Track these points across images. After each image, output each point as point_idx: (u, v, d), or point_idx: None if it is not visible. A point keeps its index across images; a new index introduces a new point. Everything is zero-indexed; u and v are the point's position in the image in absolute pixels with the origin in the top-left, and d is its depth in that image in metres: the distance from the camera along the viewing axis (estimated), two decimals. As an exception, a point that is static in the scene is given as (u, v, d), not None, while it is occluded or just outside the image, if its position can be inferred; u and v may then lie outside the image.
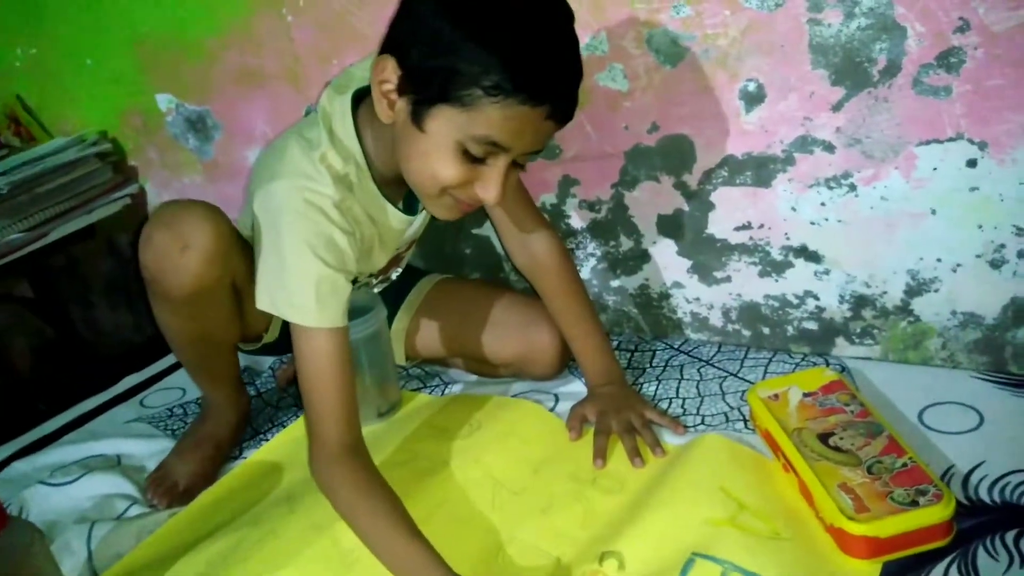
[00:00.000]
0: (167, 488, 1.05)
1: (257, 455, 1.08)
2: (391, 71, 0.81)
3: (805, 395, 0.93)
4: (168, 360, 1.42)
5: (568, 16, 0.82)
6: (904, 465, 0.80)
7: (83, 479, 1.07)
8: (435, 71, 0.78)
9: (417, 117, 0.81)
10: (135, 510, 1.02)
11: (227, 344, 1.08)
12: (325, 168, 0.88)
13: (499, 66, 0.75)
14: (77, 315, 1.89)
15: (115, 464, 1.11)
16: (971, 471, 0.85)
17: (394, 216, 0.98)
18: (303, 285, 0.86)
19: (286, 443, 1.10)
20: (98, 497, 1.04)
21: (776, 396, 0.94)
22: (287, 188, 0.88)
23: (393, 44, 0.82)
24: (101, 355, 1.85)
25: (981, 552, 0.75)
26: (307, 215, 0.87)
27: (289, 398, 1.24)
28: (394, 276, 1.16)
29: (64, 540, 0.95)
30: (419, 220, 1.03)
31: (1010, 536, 0.76)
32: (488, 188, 0.83)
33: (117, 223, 1.67)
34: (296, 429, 1.12)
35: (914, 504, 0.75)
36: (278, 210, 0.88)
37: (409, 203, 0.99)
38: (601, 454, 0.96)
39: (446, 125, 0.79)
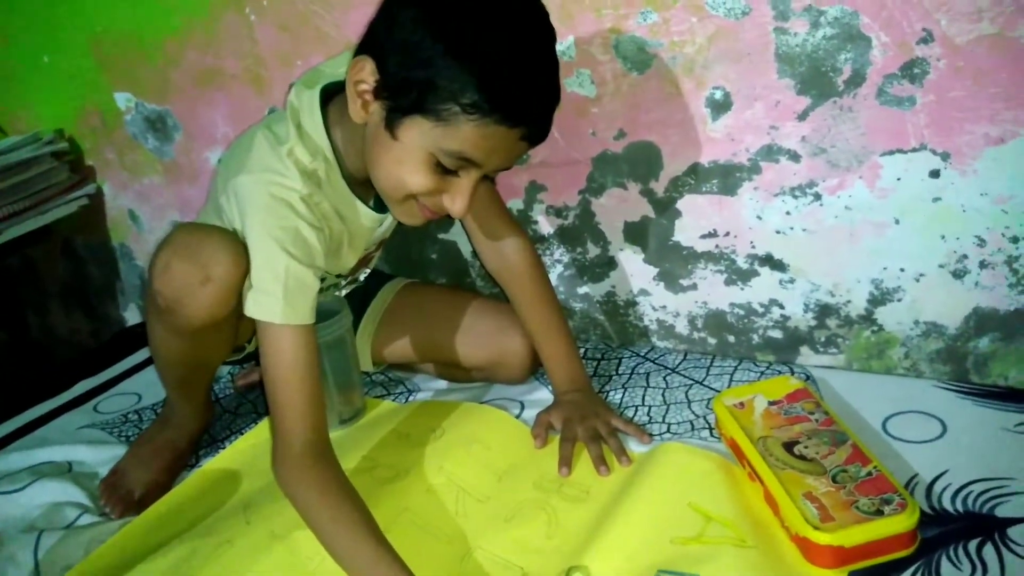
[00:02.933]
0: (121, 496, 1.02)
1: (213, 463, 1.06)
2: (368, 73, 0.80)
3: (770, 403, 0.93)
4: (124, 365, 1.39)
5: (550, 36, 0.81)
6: (869, 474, 0.80)
7: (32, 486, 1.03)
8: (413, 82, 0.77)
9: (391, 124, 0.80)
10: (86, 519, 0.99)
11: (217, 363, 1.06)
12: (292, 163, 0.87)
13: (478, 85, 0.75)
14: (31, 318, 1.85)
15: (66, 471, 1.08)
16: (935, 480, 0.85)
17: (364, 214, 0.96)
18: (270, 281, 0.84)
19: (243, 450, 1.07)
20: (47, 505, 1.00)
21: (742, 404, 0.94)
22: (253, 182, 0.86)
23: (372, 46, 0.81)
24: (56, 359, 1.81)
25: (944, 561, 0.75)
26: (273, 209, 0.85)
27: (248, 404, 1.21)
28: (362, 277, 1.15)
29: (9, 551, 0.92)
30: (390, 219, 1.01)
31: (973, 545, 0.76)
32: (456, 200, 0.83)
33: (74, 224, 1.63)
34: (253, 436, 1.09)
35: (879, 513, 0.75)
36: (244, 205, 0.86)
37: (380, 201, 0.97)
38: (566, 462, 0.95)
39: (420, 136, 0.79)
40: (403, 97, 0.78)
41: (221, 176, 0.93)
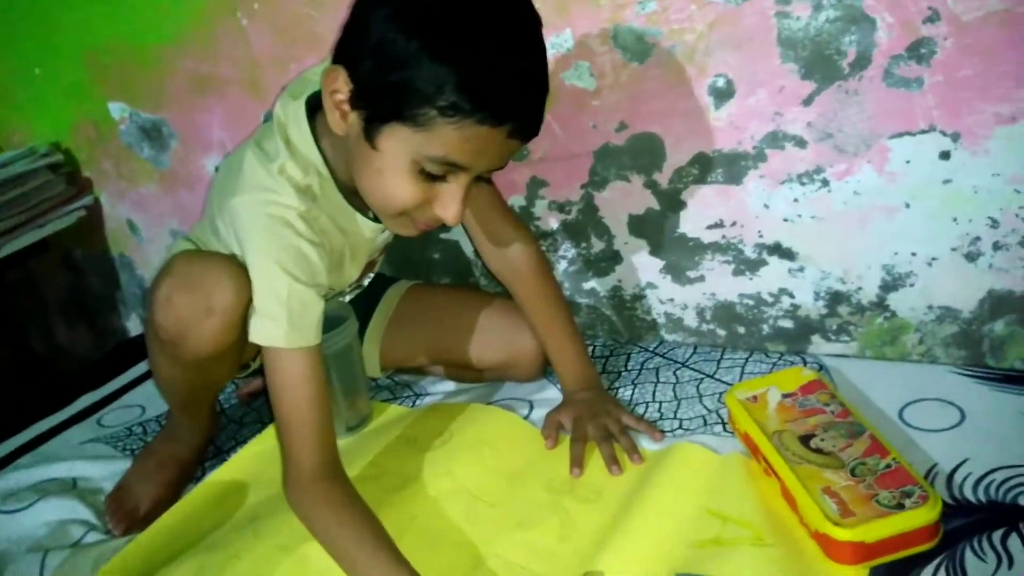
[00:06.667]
0: (126, 512, 1.00)
1: (218, 474, 1.04)
2: (342, 83, 0.76)
3: (784, 396, 0.91)
4: (127, 377, 1.37)
5: (533, 23, 0.75)
6: (888, 466, 0.78)
7: (36, 505, 1.02)
8: (387, 87, 0.72)
9: (370, 134, 0.76)
10: (92, 537, 0.97)
11: (223, 385, 1.05)
12: (285, 180, 0.84)
13: (455, 84, 0.69)
14: (33, 332, 1.83)
15: (71, 488, 1.06)
16: (955, 469, 0.83)
17: (364, 225, 0.93)
18: (273, 305, 0.82)
19: (249, 459, 1.05)
20: (53, 524, 0.99)
21: (755, 398, 0.92)
22: (248, 203, 0.84)
23: (344, 53, 0.76)
24: (58, 372, 1.80)
25: (968, 553, 0.73)
26: (272, 230, 0.83)
27: (253, 413, 1.20)
28: (366, 282, 1.12)
29: (14, 571, 0.90)
30: None
31: (997, 535, 0.74)
32: (447, 208, 0.78)
33: (72, 236, 1.61)
34: (258, 444, 1.07)
35: (900, 507, 0.73)
36: (241, 227, 0.84)
37: None
38: (578, 462, 0.93)
39: (400, 144, 0.74)
40: (379, 104, 0.74)
41: (215, 197, 0.91)
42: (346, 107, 0.77)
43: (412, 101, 0.71)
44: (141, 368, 1.39)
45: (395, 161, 0.76)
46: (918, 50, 0.90)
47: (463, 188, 0.78)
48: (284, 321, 0.82)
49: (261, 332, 0.83)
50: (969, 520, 0.77)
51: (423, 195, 0.78)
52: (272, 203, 0.83)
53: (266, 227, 0.83)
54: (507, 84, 0.72)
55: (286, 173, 0.84)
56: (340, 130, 0.79)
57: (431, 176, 0.76)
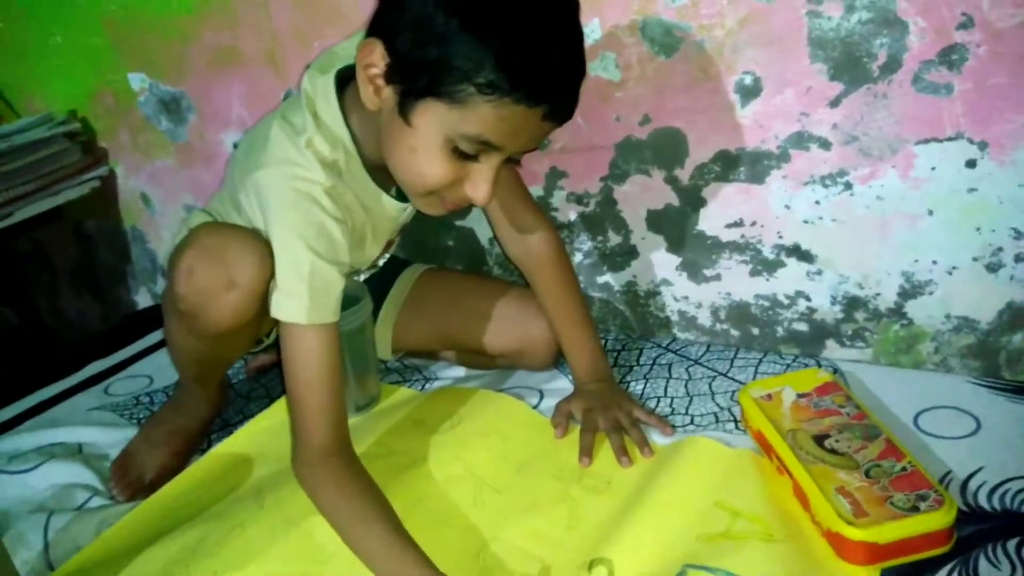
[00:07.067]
0: (131, 480, 1.00)
1: (225, 445, 1.03)
2: (378, 56, 0.76)
3: (799, 396, 0.91)
4: (135, 347, 1.37)
5: (572, 6, 0.76)
6: (904, 469, 0.78)
7: (42, 467, 1.02)
8: (425, 63, 0.72)
9: (404, 110, 0.75)
10: (96, 501, 0.97)
11: (237, 359, 1.04)
12: (312, 154, 0.84)
13: (494, 62, 0.70)
14: (41, 300, 1.83)
15: (76, 452, 1.06)
16: (969, 477, 0.82)
17: (387, 203, 0.93)
18: (295, 280, 0.82)
19: (255, 433, 1.05)
20: (57, 487, 0.99)
21: (769, 396, 0.91)
22: (274, 177, 0.83)
23: (381, 27, 0.76)
24: (65, 342, 1.80)
25: (983, 560, 0.72)
26: (297, 204, 0.82)
27: (260, 388, 1.19)
28: (381, 263, 1.12)
29: (18, 531, 0.90)
30: (412, 206, 0.98)
31: (1012, 544, 0.73)
32: (478, 188, 0.78)
33: (85, 207, 1.61)
34: (266, 418, 1.07)
35: (915, 510, 0.73)
36: (266, 201, 0.83)
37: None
38: (587, 452, 0.92)
39: (435, 121, 0.74)
40: (416, 79, 0.73)
41: (238, 170, 0.90)
42: (380, 81, 0.77)
43: (450, 77, 0.71)
44: (150, 339, 1.38)
45: (428, 138, 0.75)
46: (949, 56, 0.90)
47: (494, 169, 0.78)
48: (305, 297, 0.81)
49: (282, 308, 0.83)
50: (983, 527, 0.76)
51: (454, 174, 0.78)
52: (298, 178, 0.83)
53: (292, 202, 0.82)
54: (545, 65, 0.72)
55: (313, 147, 0.84)
56: (372, 105, 0.79)
57: (463, 155, 0.76)
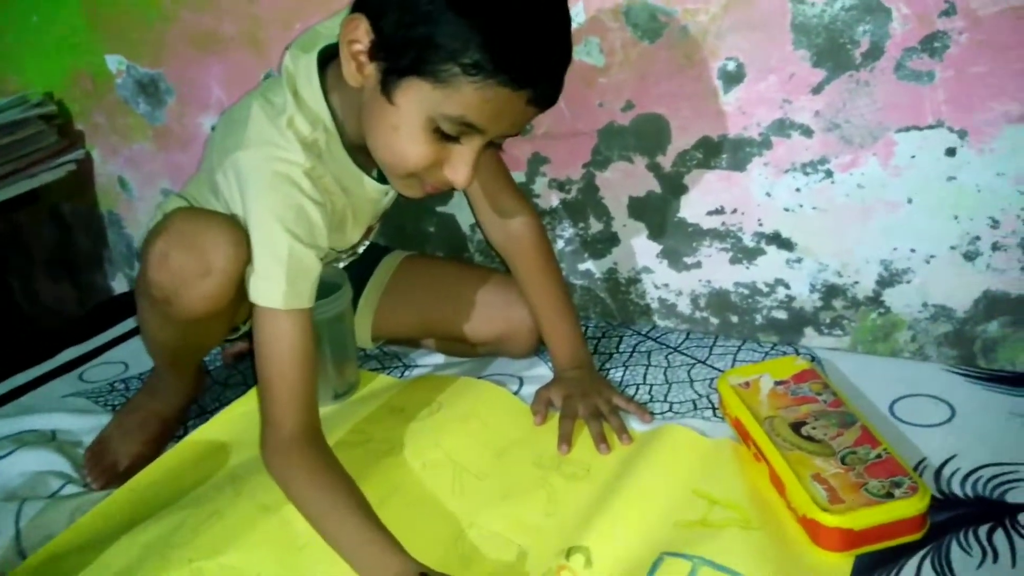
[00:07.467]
0: (105, 468, 0.99)
1: (201, 433, 1.02)
2: (363, 32, 0.75)
3: (777, 383, 0.91)
4: (111, 333, 1.35)
5: None
6: (879, 456, 0.78)
7: (14, 455, 1.00)
8: (410, 41, 0.71)
9: (387, 87, 0.75)
10: (69, 489, 0.96)
11: (213, 346, 1.03)
12: (292, 134, 0.83)
13: (481, 42, 0.69)
14: (15, 284, 1.81)
15: (49, 439, 1.05)
16: (943, 464, 0.83)
17: (369, 185, 0.92)
18: (272, 264, 0.81)
19: (232, 420, 1.04)
20: (29, 474, 0.97)
21: (747, 384, 0.92)
22: (253, 158, 0.82)
23: (366, 3, 0.75)
24: (40, 327, 1.77)
25: (955, 546, 0.73)
26: (276, 186, 0.81)
27: (238, 375, 1.18)
28: (360, 249, 1.11)
29: (-10, 519, 0.89)
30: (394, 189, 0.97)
31: (983, 530, 0.74)
32: (458, 170, 0.78)
33: (61, 190, 1.59)
34: (242, 405, 1.06)
35: (889, 496, 0.73)
36: (244, 182, 0.82)
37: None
38: (567, 439, 0.92)
39: (417, 100, 0.74)
40: (400, 57, 0.73)
41: (216, 151, 0.88)
42: (364, 58, 0.76)
43: (435, 56, 0.71)
44: (125, 325, 1.37)
45: (411, 117, 0.75)
46: (932, 43, 0.90)
47: (475, 152, 0.77)
48: (283, 281, 0.80)
49: (259, 292, 0.82)
50: (956, 514, 0.77)
51: (435, 156, 0.77)
52: (278, 159, 0.82)
53: (270, 184, 0.81)
54: (533, 48, 0.72)
55: (294, 126, 0.83)
56: (355, 82, 0.78)
57: (445, 136, 0.76)
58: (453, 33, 0.70)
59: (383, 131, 0.78)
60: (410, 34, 0.71)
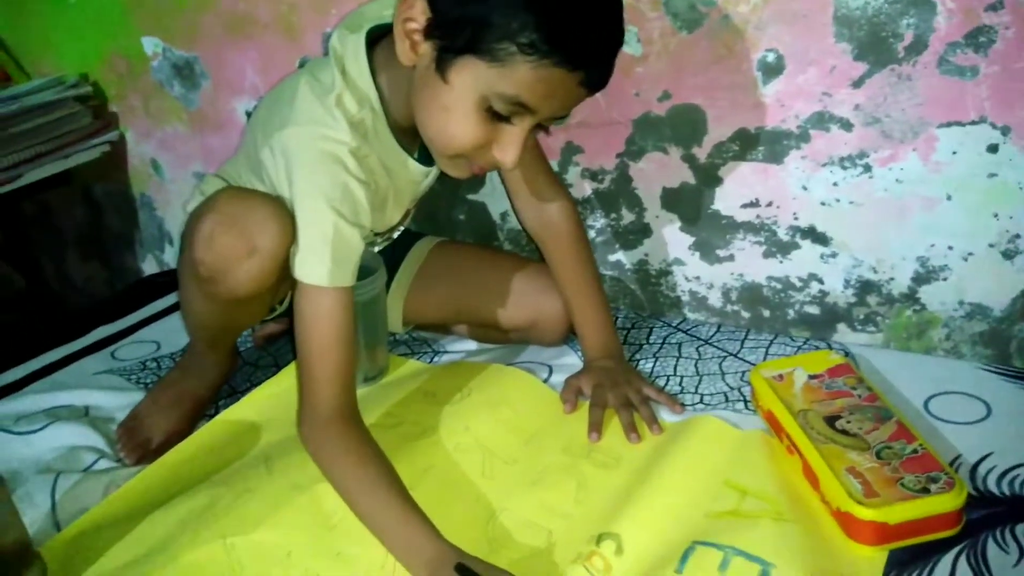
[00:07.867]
0: (139, 443, 1.00)
1: (232, 412, 1.03)
2: (419, 11, 0.75)
3: (811, 377, 0.90)
4: (143, 313, 1.36)
5: None
6: (915, 451, 0.77)
7: (48, 428, 1.01)
8: (466, 19, 0.72)
9: (441, 66, 0.75)
10: (102, 464, 0.96)
11: (251, 325, 1.04)
12: (340, 112, 0.83)
13: (537, 23, 0.70)
14: (47, 264, 1.83)
15: (82, 415, 1.06)
16: (979, 462, 0.82)
17: (412, 166, 0.93)
18: (318, 241, 0.82)
19: (263, 400, 1.04)
20: (63, 448, 0.98)
21: (780, 377, 0.91)
22: (301, 136, 0.83)
23: None
24: (70, 307, 1.79)
25: (991, 543, 0.72)
26: (323, 165, 0.82)
27: (268, 356, 1.19)
28: (396, 234, 1.11)
29: (25, 490, 0.90)
30: (435, 170, 0.97)
31: (1020, 528, 0.73)
32: (507, 150, 0.79)
33: (94, 171, 1.60)
34: (274, 384, 1.07)
35: (925, 491, 0.73)
36: (292, 160, 0.83)
37: (425, 152, 0.93)
38: (597, 427, 0.92)
39: (472, 78, 0.74)
40: (456, 36, 0.74)
41: (261, 129, 0.89)
42: (418, 36, 0.77)
43: (491, 35, 0.71)
44: (157, 306, 1.37)
45: (464, 96, 0.75)
46: (977, 38, 0.89)
47: (525, 132, 0.78)
48: (328, 259, 0.81)
49: (304, 269, 0.82)
50: (992, 511, 0.76)
51: (485, 136, 0.78)
52: (325, 138, 0.82)
53: (318, 162, 0.82)
54: (588, 29, 0.73)
55: (342, 105, 0.83)
56: (408, 60, 0.78)
57: (496, 117, 0.76)
58: (511, 12, 0.71)
59: (435, 110, 0.78)
60: (467, 12, 0.72)
